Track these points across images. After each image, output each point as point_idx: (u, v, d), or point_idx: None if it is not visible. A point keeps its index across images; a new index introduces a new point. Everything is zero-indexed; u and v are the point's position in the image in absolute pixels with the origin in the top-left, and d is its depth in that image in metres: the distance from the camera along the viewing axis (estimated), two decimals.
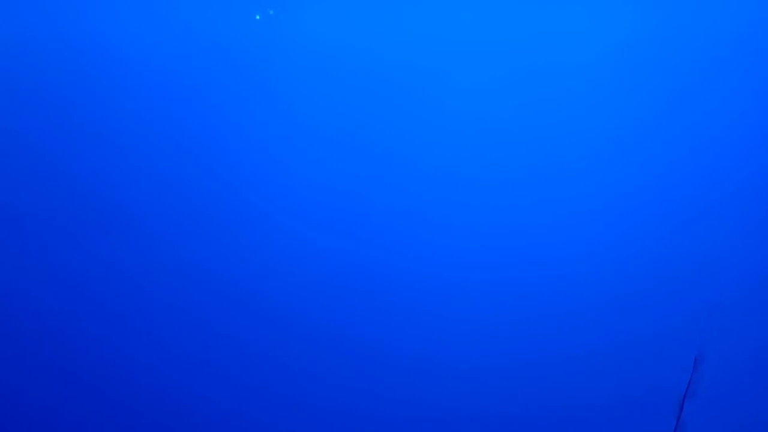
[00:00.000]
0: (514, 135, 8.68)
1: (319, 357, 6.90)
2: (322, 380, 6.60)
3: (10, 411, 5.88)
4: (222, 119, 9.09)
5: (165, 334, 7.07)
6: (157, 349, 6.89)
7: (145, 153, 8.74)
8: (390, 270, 8.09)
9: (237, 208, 8.71)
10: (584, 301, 7.71)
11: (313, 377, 6.65)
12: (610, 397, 6.28)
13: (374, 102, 9.01)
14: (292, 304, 7.60)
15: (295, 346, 7.06)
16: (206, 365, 6.69)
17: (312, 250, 8.31)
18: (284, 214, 8.29)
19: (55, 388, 6.26)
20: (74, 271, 7.53)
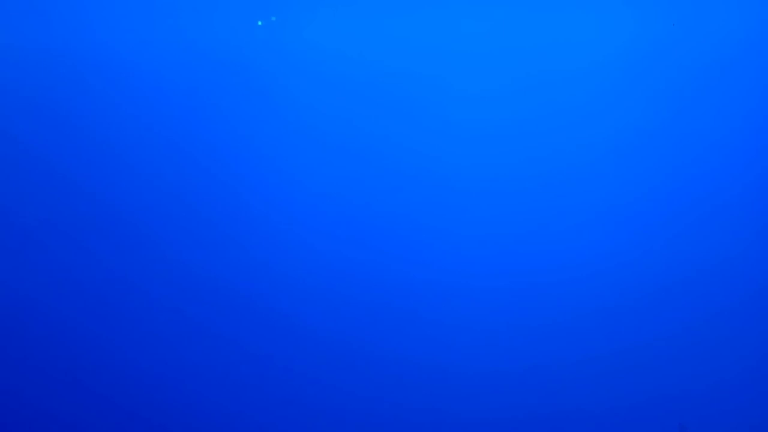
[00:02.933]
0: (520, 139, 8.75)
1: (325, 361, 6.96)
2: (328, 384, 6.66)
3: (19, 411, 5.96)
4: (225, 124, 9.15)
5: (172, 338, 7.13)
6: (164, 352, 6.95)
7: (151, 158, 8.82)
8: (397, 275, 8.12)
9: (243, 213, 8.76)
10: (588, 305, 7.74)
11: (319, 381, 6.71)
12: (612, 399, 6.31)
13: (378, 107, 9.04)
14: (299, 309, 7.65)
15: (302, 349, 7.12)
16: (213, 370, 6.76)
17: (317, 255, 8.37)
18: (291, 219, 8.36)
19: (62, 388, 6.34)
20: (81, 272, 7.58)
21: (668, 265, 8.24)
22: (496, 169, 8.43)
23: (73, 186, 8.15)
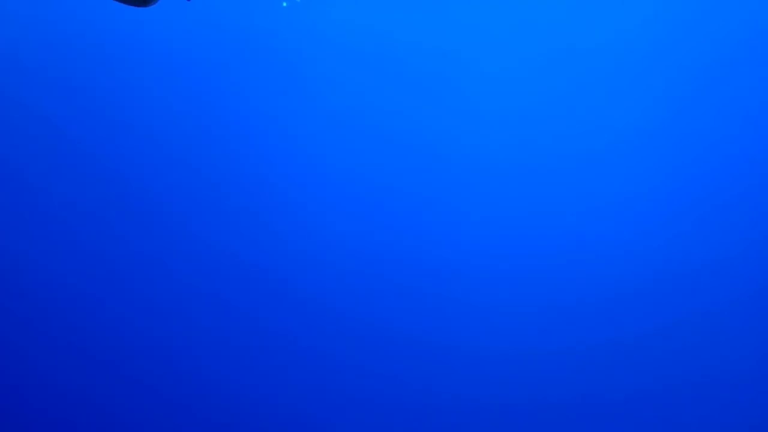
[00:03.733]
0: (539, 128, 8.84)
1: (340, 343, 7.07)
2: (344, 366, 6.78)
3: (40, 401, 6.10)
4: (251, 104, 9.23)
5: (191, 323, 7.24)
6: (182, 339, 7.06)
7: (170, 139, 8.93)
8: (413, 260, 8.19)
9: (261, 195, 8.89)
10: (595, 296, 7.74)
11: (336, 363, 6.84)
12: (612, 392, 6.42)
13: (401, 90, 9.07)
14: (315, 293, 7.74)
15: (319, 333, 7.22)
16: (231, 354, 6.88)
17: (335, 238, 8.48)
18: (310, 201, 8.47)
19: (80, 371, 6.48)
20: (97, 255, 7.67)
21: (679, 260, 8.23)
22: (522, 157, 8.54)
23: (97, 163, 8.28)
